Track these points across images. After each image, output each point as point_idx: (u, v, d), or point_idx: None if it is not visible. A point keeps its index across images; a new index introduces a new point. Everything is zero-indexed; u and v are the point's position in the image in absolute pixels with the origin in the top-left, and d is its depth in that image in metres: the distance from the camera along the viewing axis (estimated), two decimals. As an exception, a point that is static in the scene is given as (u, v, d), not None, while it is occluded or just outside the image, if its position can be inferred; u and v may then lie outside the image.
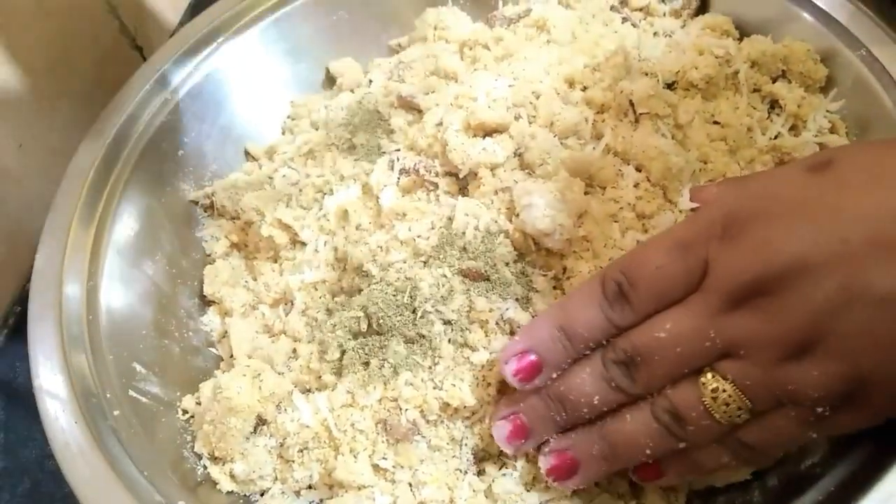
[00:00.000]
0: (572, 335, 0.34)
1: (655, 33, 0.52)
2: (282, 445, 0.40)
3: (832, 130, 0.46)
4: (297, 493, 0.40)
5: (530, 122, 0.45)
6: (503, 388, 0.39)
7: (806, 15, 0.48)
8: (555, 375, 0.35)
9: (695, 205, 0.40)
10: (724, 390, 0.31)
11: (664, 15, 0.54)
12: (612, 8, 0.54)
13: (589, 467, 0.35)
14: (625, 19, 0.53)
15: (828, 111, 0.46)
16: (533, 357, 0.35)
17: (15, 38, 0.52)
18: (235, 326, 0.47)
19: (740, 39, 0.50)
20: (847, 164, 0.32)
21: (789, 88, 0.47)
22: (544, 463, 0.36)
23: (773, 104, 0.48)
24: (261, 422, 0.42)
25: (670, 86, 0.47)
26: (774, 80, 0.48)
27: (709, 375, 0.32)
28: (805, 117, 0.46)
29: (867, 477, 0.33)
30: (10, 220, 0.53)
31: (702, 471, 0.35)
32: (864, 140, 0.45)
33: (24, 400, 0.49)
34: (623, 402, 0.34)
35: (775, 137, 0.46)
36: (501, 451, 0.38)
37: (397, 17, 0.59)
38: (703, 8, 0.54)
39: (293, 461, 0.40)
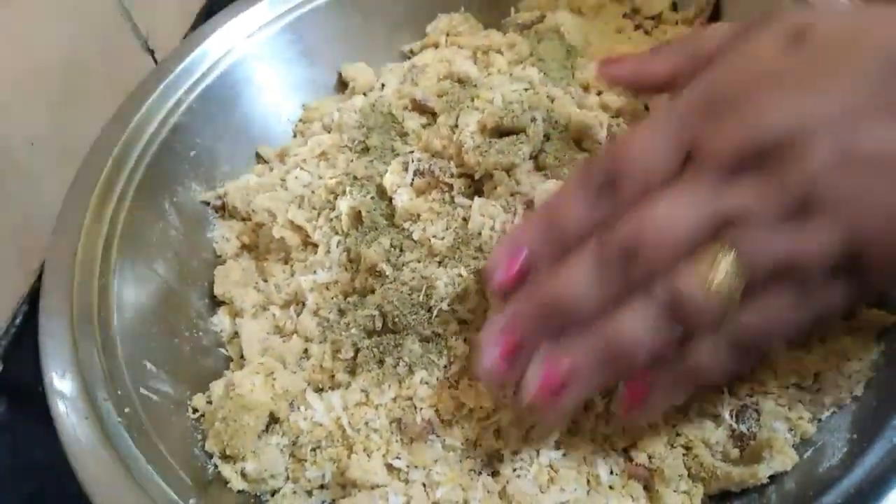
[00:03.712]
0: (561, 232, 0.33)
1: (668, 41, 0.52)
2: (294, 444, 0.40)
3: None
4: (310, 493, 0.40)
5: (545, 125, 0.45)
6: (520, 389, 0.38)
7: (818, 23, 0.48)
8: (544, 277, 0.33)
9: None
10: (723, 257, 0.30)
11: (676, 23, 0.54)
12: (624, 15, 0.54)
13: (582, 377, 0.32)
14: (637, 26, 0.53)
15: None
16: (520, 261, 0.33)
17: (28, 38, 0.52)
18: (246, 327, 0.46)
19: (752, 48, 0.51)
20: (821, 36, 0.31)
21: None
22: (532, 377, 0.32)
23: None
24: (273, 420, 0.41)
25: (684, 92, 0.47)
26: (787, 88, 0.48)
27: (706, 247, 0.30)
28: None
29: (886, 480, 0.33)
30: (20, 218, 0.52)
31: (693, 377, 0.33)
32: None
33: (30, 399, 0.49)
34: (618, 297, 0.31)
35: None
36: (515, 451, 0.38)
37: (409, 22, 0.59)
38: (715, 16, 0.54)
39: (306, 460, 0.39)
